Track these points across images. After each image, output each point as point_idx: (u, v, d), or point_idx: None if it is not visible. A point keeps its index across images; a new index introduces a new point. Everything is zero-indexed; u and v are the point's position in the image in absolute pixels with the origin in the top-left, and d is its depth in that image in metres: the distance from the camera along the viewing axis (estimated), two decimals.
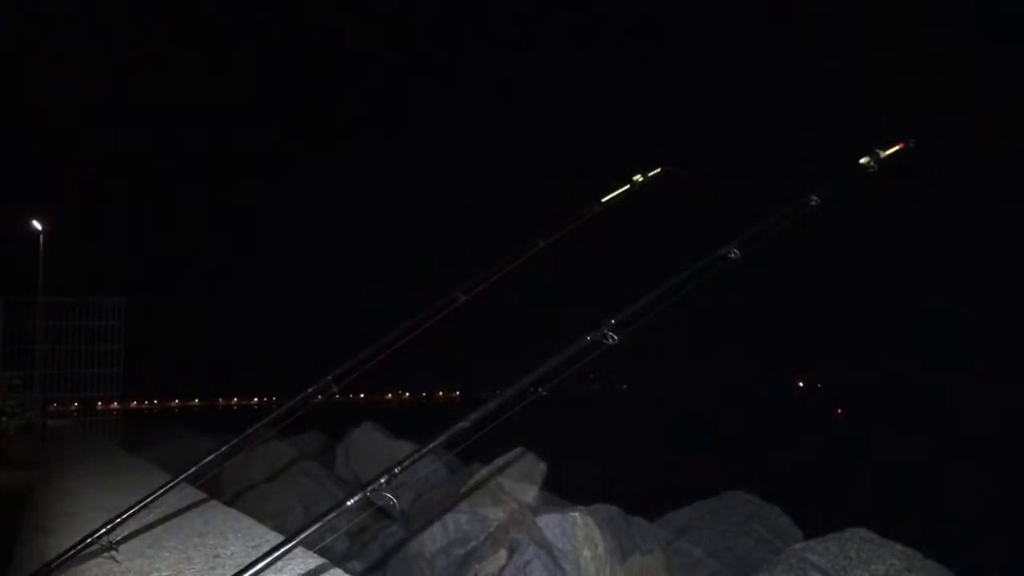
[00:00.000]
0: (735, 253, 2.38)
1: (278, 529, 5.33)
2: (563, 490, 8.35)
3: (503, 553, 5.25)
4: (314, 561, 2.96)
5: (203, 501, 4.79)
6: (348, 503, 1.93)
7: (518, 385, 2.10)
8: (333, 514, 1.92)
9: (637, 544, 6.28)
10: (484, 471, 7.17)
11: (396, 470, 1.96)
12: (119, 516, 2.78)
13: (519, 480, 7.30)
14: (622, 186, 3.18)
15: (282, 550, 1.87)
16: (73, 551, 2.66)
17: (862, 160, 2.62)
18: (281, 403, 2.95)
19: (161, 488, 2.84)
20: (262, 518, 5.98)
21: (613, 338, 2.16)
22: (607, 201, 3.17)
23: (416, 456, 2.05)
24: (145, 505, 2.85)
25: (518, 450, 7.71)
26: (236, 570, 1.89)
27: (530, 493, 7.22)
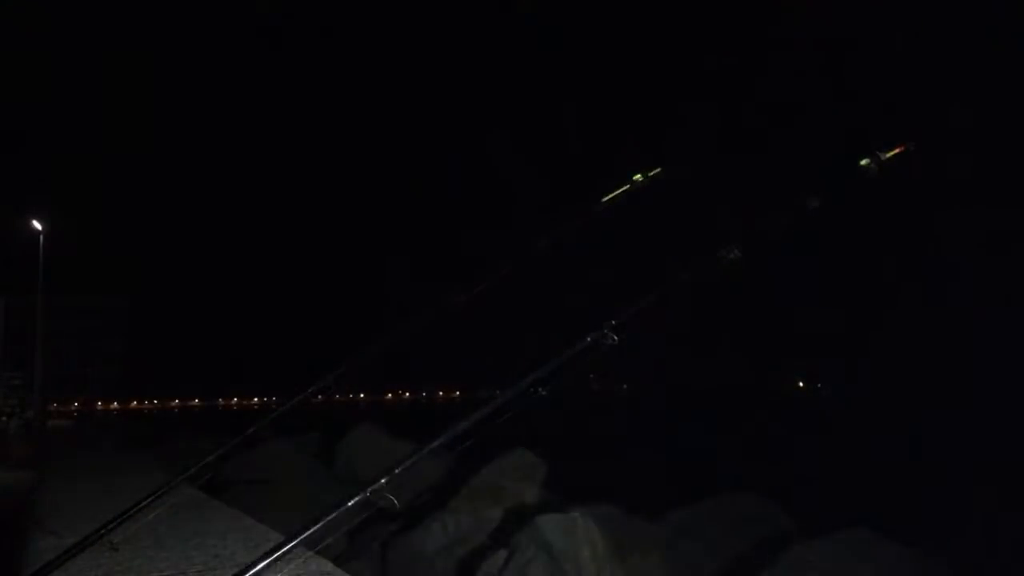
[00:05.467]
0: (735, 254, 2.37)
1: (278, 529, 5.33)
2: (563, 490, 8.34)
3: (503, 553, 5.25)
4: (314, 561, 2.96)
5: (203, 501, 4.80)
6: (348, 503, 1.93)
7: (518, 385, 2.10)
8: (333, 514, 1.92)
9: (637, 544, 6.29)
10: (484, 471, 7.18)
11: (396, 470, 1.96)
12: (120, 516, 2.78)
13: (519, 480, 7.30)
14: (622, 186, 3.17)
15: (282, 550, 1.87)
16: (74, 550, 2.67)
17: (862, 162, 2.61)
18: (281, 403, 2.95)
19: (161, 488, 2.84)
20: (262, 518, 5.98)
21: (613, 338, 2.16)
22: (607, 201, 3.16)
23: (416, 456, 2.05)
24: (145, 505, 2.85)
25: (518, 450, 7.72)
26: (236, 570, 1.89)
27: (530, 493, 7.22)
